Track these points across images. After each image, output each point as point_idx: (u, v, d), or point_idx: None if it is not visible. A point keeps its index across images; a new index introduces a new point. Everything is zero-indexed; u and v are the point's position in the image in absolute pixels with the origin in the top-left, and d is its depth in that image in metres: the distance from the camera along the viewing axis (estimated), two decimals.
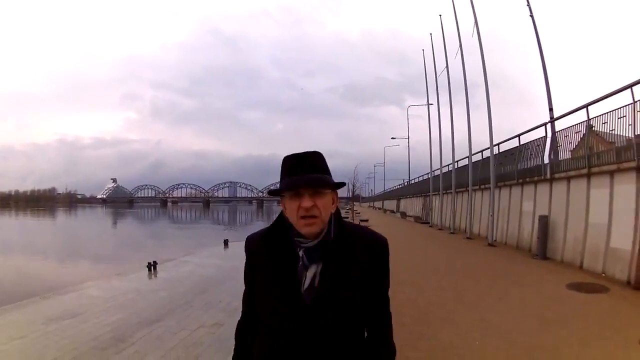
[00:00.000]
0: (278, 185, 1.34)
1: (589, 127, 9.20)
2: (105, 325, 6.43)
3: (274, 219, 1.40)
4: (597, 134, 8.99)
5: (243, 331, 1.46)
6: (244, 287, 1.47)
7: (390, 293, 1.45)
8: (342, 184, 1.39)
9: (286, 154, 1.34)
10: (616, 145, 8.31)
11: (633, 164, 7.53)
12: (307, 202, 1.24)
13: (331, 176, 1.35)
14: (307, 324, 1.25)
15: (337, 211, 1.37)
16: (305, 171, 1.27)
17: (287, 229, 1.33)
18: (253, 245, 1.40)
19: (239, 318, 1.49)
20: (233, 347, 1.49)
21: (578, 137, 9.75)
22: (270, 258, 1.33)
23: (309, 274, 1.28)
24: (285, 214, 1.32)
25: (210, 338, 5.70)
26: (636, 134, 7.59)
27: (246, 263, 1.43)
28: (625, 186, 7.78)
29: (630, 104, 7.71)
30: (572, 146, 10.03)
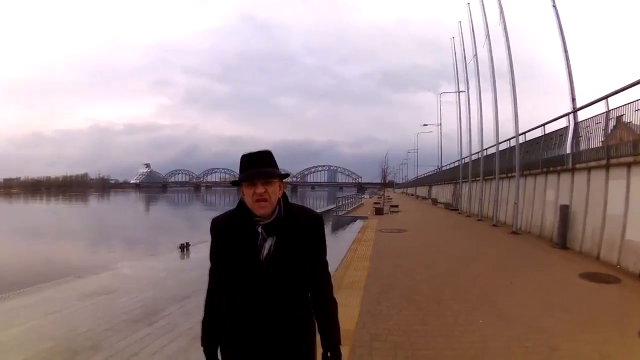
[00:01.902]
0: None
1: (618, 117, 9.18)
2: (137, 301, 6.92)
3: (236, 204, 1.82)
4: (624, 124, 8.99)
5: (213, 300, 1.84)
6: None
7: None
8: (286, 175, 1.82)
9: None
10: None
11: None
12: (259, 189, 1.67)
13: (279, 169, 1.76)
14: (265, 283, 1.68)
15: (284, 195, 1.80)
16: (258, 166, 1.69)
17: (247, 211, 1.73)
18: (220, 225, 1.81)
19: None
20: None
21: (599, 128, 9.79)
22: (236, 234, 1.73)
23: (267, 244, 1.70)
24: (244, 199, 1.74)
25: None
26: None
27: (212, 242, 1.82)
28: None
29: None
30: (593, 136, 10.07)
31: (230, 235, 1.75)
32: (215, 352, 1.84)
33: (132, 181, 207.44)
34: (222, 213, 1.88)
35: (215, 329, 1.81)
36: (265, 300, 1.68)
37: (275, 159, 1.78)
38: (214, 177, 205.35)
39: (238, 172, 1.76)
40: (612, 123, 9.26)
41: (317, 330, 1.84)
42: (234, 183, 1.80)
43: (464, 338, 4.50)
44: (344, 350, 3.90)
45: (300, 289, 1.77)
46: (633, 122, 8.42)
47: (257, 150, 1.74)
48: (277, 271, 1.68)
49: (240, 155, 1.75)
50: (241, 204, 1.77)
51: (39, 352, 4.71)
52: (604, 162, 9.21)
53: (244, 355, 1.72)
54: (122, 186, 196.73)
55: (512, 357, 4.01)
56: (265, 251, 1.69)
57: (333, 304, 1.88)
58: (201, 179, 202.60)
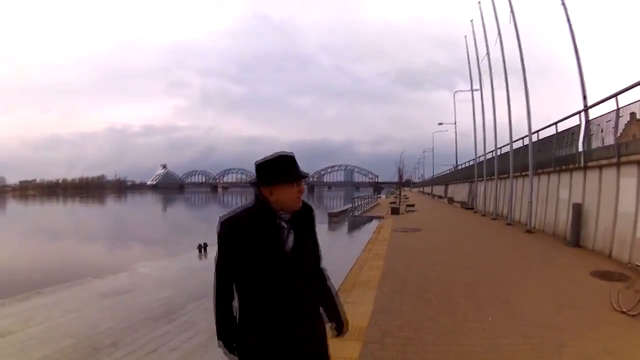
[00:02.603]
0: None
1: (631, 114, 9.14)
2: (156, 300, 7.15)
3: (252, 202, 1.93)
4: (637, 121, 8.96)
5: (224, 297, 1.92)
6: None
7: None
8: (306, 175, 1.99)
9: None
10: None
11: None
12: (302, 187, 1.91)
13: None
14: (291, 269, 1.86)
15: None
16: (296, 167, 1.89)
17: (268, 208, 1.86)
18: (238, 224, 1.86)
19: None
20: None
21: (610, 126, 9.78)
22: (260, 229, 1.84)
23: (290, 238, 1.87)
24: (279, 197, 1.85)
25: None
26: None
27: (225, 242, 1.85)
28: None
29: None
30: (604, 134, 10.06)
31: (252, 232, 1.83)
32: (232, 342, 1.94)
33: (149, 182, 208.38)
34: (231, 214, 1.91)
35: (231, 323, 1.92)
36: (293, 287, 1.86)
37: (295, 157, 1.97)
38: (230, 178, 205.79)
39: (254, 173, 1.91)
40: (623, 120, 9.24)
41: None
42: (265, 183, 1.90)
43: (472, 334, 4.63)
44: (356, 346, 4.15)
45: (315, 273, 2.03)
46: None
47: (286, 153, 1.89)
48: (300, 260, 1.89)
49: (277, 156, 1.86)
50: (261, 201, 1.87)
51: (60, 349, 4.85)
52: (614, 160, 9.24)
53: (276, 341, 1.83)
54: (139, 187, 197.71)
55: (520, 354, 4.12)
56: (289, 244, 1.86)
57: (327, 278, 2.14)
58: (218, 180, 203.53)
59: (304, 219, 1.96)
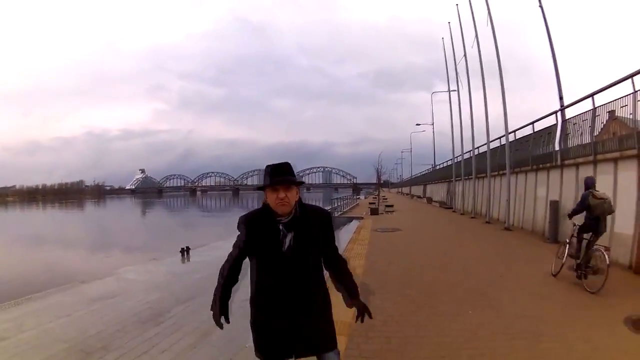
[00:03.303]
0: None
1: (610, 112, 9.33)
2: (144, 303, 7.19)
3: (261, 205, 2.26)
4: (615, 119, 9.13)
5: (231, 276, 2.29)
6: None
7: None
8: (301, 182, 2.31)
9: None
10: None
11: (634, 152, 7.84)
12: (281, 194, 2.11)
13: (296, 178, 2.22)
14: (287, 269, 2.14)
15: (299, 198, 2.24)
16: (280, 175, 2.13)
17: (270, 212, 2.18)
18: (251, 220, 2.21)
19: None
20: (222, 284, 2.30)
21: (586, 125, 10.01)
22: (262, 230, 2.16)
23: (287, 239, 2.15)
24: (267, 201, 2.17)
25: (240, 311, 6.51)
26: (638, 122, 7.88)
27: (245, 233, 2.20)
28: (627, 173, 8.12)
29: (632, 93, 7.91)
30: (580, 133, 10.29)
31: (257, 231, 2.16)
32: (226, 313, 2.30)
33: (128, 187, 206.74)
34: (249, 211, 2.29)
35: (227, 297, 2.29)
36: (290, 283, 2.14)
37: (272, 161, 2.19)
38: (209, 181, 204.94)
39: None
40: (600, 119, 9.46)
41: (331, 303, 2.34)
42: (260, 188, 2.22)
43: (453, 327, 4.75)
44: (342, 340, 4.16)
45: (315, 272, 2.25)
46: (623, 117, 8.57)
47: (279, 162, 2.19)
48: (297, 260, 2.14)
49: (265, 166, 2.21)
50: (266, 205, 2.19)
51: (53, 354, 4.90)
52: (591, 157, 9.45)
53: (276, 327, 2.17)
54: (117, 192, 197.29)
55: (499, 343, 4.24)
56: (287, 244, 2.14)
57: (344, 262, 2.43)
58: (196, 183, 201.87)
59: (309, 224, 2.20)
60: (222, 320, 2.29)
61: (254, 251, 2.19)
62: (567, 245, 7.08)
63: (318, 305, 2.25)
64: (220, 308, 2.26)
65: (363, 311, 2.41)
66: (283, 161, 2.20)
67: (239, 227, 2.24)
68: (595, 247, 6.43)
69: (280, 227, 2.15)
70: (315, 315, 2.22)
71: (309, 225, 2.20)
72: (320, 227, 2.25)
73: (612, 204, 6.76)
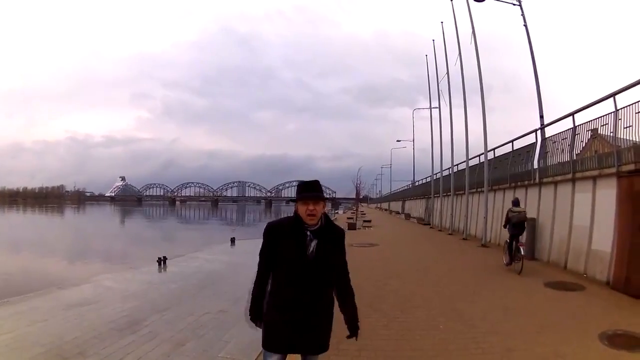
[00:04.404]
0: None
1: (593, 130, 9.37)
2: (121, 311, 7.15)
3: (291, 215, 2.57)
4: (595, 138, 9.18)
5: (262, 284, 2.51)
6: (250, 277, 2.58)
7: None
8: (328, 198, 2.73)
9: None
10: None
11: (613, 170, 7.86)
12: (311, 207, 2.42)
13: (323, 194, 2.55)
14: (311, 272, 2.40)
15: (325, 213, 2.55)
16: (310, 191, 2.47)
17: (299, 219, 2.46)
18: (277, 228, 2.52)
19: (243, 305, 2.61)
20: (248, 309, 2.53)
21: (566, 144, 10.13)
22: (291, 235, 2.44)
23: (312, 244, 2.43)
24: (298, 211, 2.46)
25: (215, 322, 6.46)
26: (616, 142, 7.99)
27: (268, 241, 2.48)
28: (606, 190, 8.11)
29: (612, 112, 7.97)
30: (559, 152, 10.40)
31: (286, 236, 2.45)
32: (260, 317, 2.51)
33: (108, 194, 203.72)
34: (277, 220, 2.68)
35: (261, 304, 2.50)
36: (308, 285, 2.40)
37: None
38: (189, 192, 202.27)
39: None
40: (579, 138, 9.56)
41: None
42: (292, 201, 2.55)
43: (424, 341, 4.74)
44: None
45: (330, 278, 2.52)
46: (606, 134, 8.65)
47: (311, 179, 2.55)
48: (318, 264, 2.41)
49: (300, 182, 2.58)
50: (296, 214, 2.49)
51: (31, 358, 4.92)
52: (570, 176, 9.51)
53: (286, 324, 2.38)
54: (97, 199, 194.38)
55: (469, 357, 4.23)
56: (311, 249, 2.42)
57: (352, 293, 2.68)
58: (176, 193, 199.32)
59: (330, 236, 2.51)
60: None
61: (278, 253, 2.44)
62: (506, 245, 9.78)
63: (326, 311, 2.50)
64: (258, 313, 2.52)
65: (354, 334, 2.66)
66: (313, 179, 2.54)
67: (264, 233, 2.53)
68: (517, 244, 9.22)
69: (308, 233, 2.43)
70: (322, 319, 2.48)
71: (331, 237, 2.51)
72: (337, 241, 2.56)
73: (525, 214, 9.75)
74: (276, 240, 2.46)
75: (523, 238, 9.79)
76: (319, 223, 2.48)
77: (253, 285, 2.54)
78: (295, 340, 2.41)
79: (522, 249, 9.08)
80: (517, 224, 9.41)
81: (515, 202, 9.92)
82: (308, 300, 2.39)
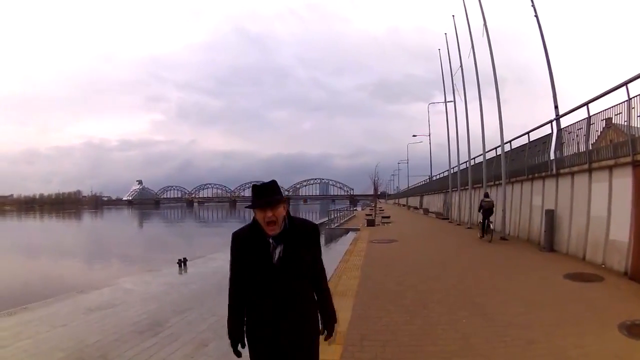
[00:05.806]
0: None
1: (607, 120, 9.26)
2: (142, 314, 7.25)
3: (251, 221, 2.34)
4: (610, 127, 9.05)
5: (236, 300, 2.33)
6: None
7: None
8: (287, 198, 2.43)
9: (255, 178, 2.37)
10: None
11: (629, 159, 7.82)
12: (268, 214, 2.20)
13: (282, 194, 2.30)
14: (277, 280, 2.21)
15: (287, 212, 2.32)
16: (265, 195, 2.22)
17: (258, 226, 2.25)
18: (240, 237, 2.32)
19: None
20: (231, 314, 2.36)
21: (581, 134, 10.03)
22: (252, 244, 2.26)
23: (277, 251, 2.23)
24: (257, 220, 2.25)
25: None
26: (631, 130, 7.91)
27: (235, 253, 2.31)
28: (622, 180, 8.08)
29: (625, 101, 7.92)
30: (575, 142, 10.31)
31: (248, 246, 2.27)
32: (241, 339, 2.34)
33: (125, 198, 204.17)
34: (241, 227, 2.39)
35: (240, 322, 2.33)
36: (280, 293, 2.21)
37: (270, 173, 2.26)
38: (206, 193, 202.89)
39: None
40: (594, 128, 9.48)
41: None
42: (249, 207, 2.28)
43: (446, 335, 4.80)
44: (337, 349, 4.16)
45: (305, 283, 2.32)
46: (620, 124, 8.55)
47: (264, 182, 2.28)
48: (287, 270, 2.22)
49: (254, 185, 2.29)
50: (255, 221, 2.27)
51: None
52: (586, 166, 9.46)
53: (266, 336, 2.23)
54: (115, 203, 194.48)
55: (491, 350, 4.26)
56: (277, 256, 2.22)
57: (327, 292, 2.47)
58: (193, 195, 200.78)
59: (297, 236, 2.29)
60: (239, 347, 2.37)
61: (245, 265, 2.26)
62: (479, 224, 14.35)
63: (306, 319, 2.31)
64: (235, 334, 2.35)
65: (330, 334, 2.47)
66: (269, 180, 2.30)
67: (230, 245, 2.34)
68: (488, 222, 13.68)
69: (270, 240, 2.23)
70: (302, 326, 2.28)
71: (298, 237, 2.29)
72: (308, 239, 2.35)
73: (493, 203, 13.90)
74: (242, 252, 2.28)
75: (493, 219, 13.84)
76: (282, 226, 2.25)
77: (228, 308, 2.37)
78: (284, 350, 2.24)
79: (492, 225, 13.66)
80: (487, 209, 13.71)
81: (486, 195, 14.50)
82: (286, 310, 2.21)
